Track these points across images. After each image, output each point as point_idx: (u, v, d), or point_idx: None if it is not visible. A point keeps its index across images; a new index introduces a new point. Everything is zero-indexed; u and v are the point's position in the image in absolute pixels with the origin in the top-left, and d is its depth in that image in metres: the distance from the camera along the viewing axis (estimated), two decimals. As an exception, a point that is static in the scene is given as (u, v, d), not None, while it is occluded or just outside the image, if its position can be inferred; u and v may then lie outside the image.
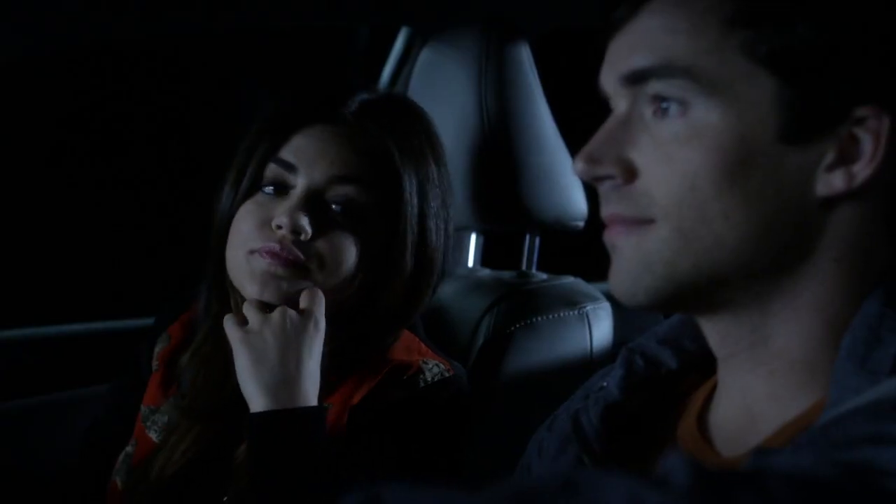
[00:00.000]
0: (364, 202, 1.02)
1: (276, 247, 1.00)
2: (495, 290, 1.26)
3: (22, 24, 1.13)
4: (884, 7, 0.63)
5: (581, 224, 1.33)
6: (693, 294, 0.66)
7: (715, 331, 0.69)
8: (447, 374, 1.05)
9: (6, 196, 2.08)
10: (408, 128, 1.07)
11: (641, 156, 0.66)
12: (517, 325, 1.21)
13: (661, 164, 0.65)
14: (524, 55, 1.32)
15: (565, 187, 1.29)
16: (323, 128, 1.04)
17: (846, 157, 0.62)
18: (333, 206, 1.02)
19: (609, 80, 0.69)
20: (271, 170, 1.03)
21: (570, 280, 1.32)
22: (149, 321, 1.26)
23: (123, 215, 2.31)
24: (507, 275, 1.35)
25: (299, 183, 1.02)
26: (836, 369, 0.61)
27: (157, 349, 1.18)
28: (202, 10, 1.26)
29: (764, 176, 0.63)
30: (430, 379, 1.03)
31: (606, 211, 0.68)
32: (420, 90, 1.38)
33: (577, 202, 1.31)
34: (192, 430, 1.06)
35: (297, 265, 1.01)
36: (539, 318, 1.22)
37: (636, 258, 0.66)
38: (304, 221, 0.99)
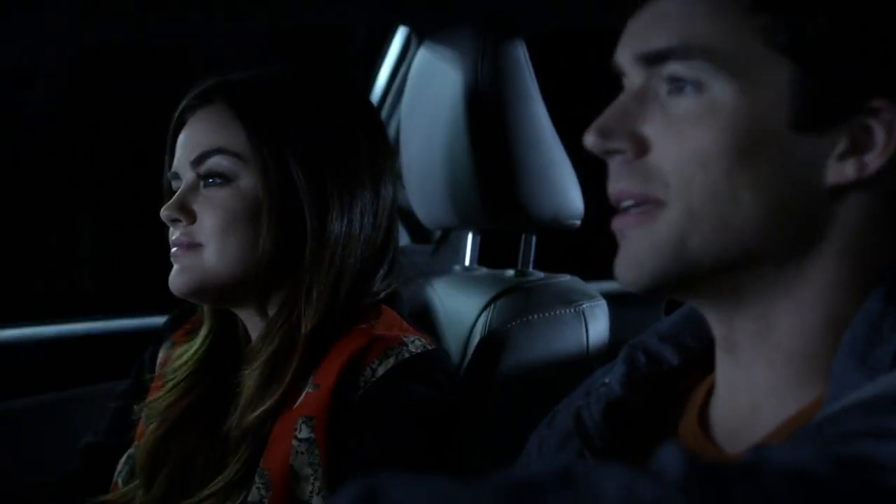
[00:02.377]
0: (230, 165, 1.05)
1: (172, 239, 1.07)
2: (492, 288, 1.26)
3: (22, 24, 1.13)
4: None
5: (578, 223, 1.33)
6: (697, 278, 0.66)
7: (717, 319, 0.69)
8: (430, 348, 1.04)
9: (7, 196, 2.08)
10: (263, 94, 1.08)
11: (654, 131, 0.66)
12: (514, 323, 1.21)
13: (673, 141, 0.64)
14: (521, 54, 1.32)
15: (562, 186, 1.29)
16: (186, 126, 1.09)
17: (858, 147, 0.63)
18: (209, 181, 1.05)
19: (624, 57, 0.69)
20: (173, 185, 1.09)
21: (566, 278, 1.32)
22: (149, 321, 1.26)
23: (123, 215, 2.31)
24: (503, 273, 1.35)
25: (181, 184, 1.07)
26: (836, 365, 0.61)
27: (160, 356, 1.19)
28: (202, 10, 1.27)
29: (775, 160, 0.63)
30: (413, 350, 1.02)
31: (615, 187, 0.67)
32: (416, 89, 1.38)
33: (574, 201, 1.31)
34: (149, 427, 1.10)
35: (189, 246, 1.05)
36: (536, 317, 1.22)
37: (644, 244, 0.66)
38: (168, 211, 1.05)
